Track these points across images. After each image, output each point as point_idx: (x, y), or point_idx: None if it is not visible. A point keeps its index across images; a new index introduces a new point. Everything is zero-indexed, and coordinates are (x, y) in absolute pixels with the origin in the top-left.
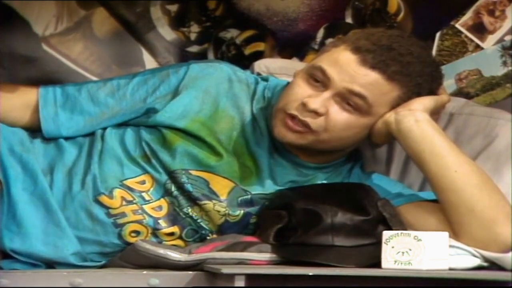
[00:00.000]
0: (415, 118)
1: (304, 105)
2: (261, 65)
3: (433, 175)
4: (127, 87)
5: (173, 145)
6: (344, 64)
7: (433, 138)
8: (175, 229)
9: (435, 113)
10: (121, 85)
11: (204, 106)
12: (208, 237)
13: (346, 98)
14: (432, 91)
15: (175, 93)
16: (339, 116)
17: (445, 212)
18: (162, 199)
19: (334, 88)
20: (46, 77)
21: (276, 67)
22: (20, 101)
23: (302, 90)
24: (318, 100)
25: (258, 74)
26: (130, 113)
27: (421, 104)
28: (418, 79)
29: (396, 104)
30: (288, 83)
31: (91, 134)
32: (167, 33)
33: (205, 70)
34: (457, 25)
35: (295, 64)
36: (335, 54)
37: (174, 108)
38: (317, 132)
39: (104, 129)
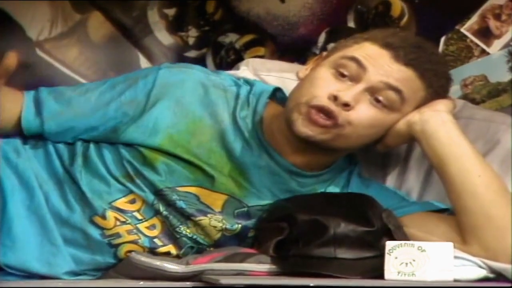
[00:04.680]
0: (442, 119)
1: (334, 98)
2: (249, 65)
3: (454, 179)
4: (95, 90)
5: (154, 163)
6: (377, 58)
7: (458, 140)
8: (170, 248)
9: None
10: (90, 88)
11: (176, 120)
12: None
13: (378, 93)
14: (447, 94)
15: (146, 103)
16: (368, 111)
17: (459, 218)
18: (154, 218)
19: (368, 81)
20: (40, 82)
21: (264, 69)
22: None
23: (330, 83)
24: (351, 92)
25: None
26: (93, 118)
27: (445, 106)
28: (442, 80)
29: (420, 104)
30: (276, 88)
31: (75, 147)
32: (164, 37)
33: (176, 76)
34: (462, 30)
35: (283, 66)
36: (363, 48)
37: (145, 123)
38: (342, 126)
39: (87, 145)
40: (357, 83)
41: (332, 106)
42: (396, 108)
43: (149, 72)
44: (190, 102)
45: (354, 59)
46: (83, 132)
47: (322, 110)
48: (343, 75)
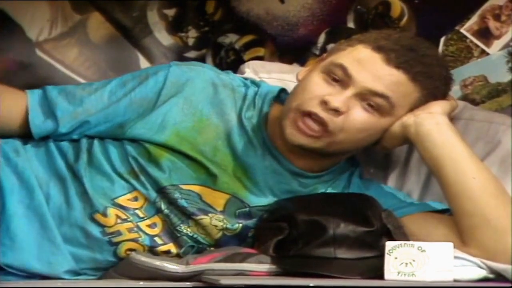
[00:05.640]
0: (436, 121)
1: (325, 103)
2: (250, 67)
3: (449, 181)
4: (105, 89)
5: (159, 160)
6: (367, 63)
7: (453, 142)
8: (171, 246)
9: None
10: (99, 87)
11: (184, 117)
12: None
13: (367, 98)
14: (446, 95)
15: (156, 101)
16: (360, 116)
17: (457, 220)
18: (156, 216)
19: (356, 87)
20: (40, 83)
21: (264, 71)
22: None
23: (321, 88)
24: (340, 98)
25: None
26: (103, 115)
27: (441, 108)
28: (437, 82)
29: (414, 107)
30: (282, 89)
31: (80, 144)
32: (164, 38)
33: (187, 74)
34: (462, 30)
35: (283, 68)
36: (355, 52)
37: (153, 119)
38: (333, 133)
39: (91, 141)
40: (346, 88)
41: (322, 113)
42: (386, 113)
43: (159, 70)
44: (199, 100)
45: (340, 66)
46: (92, 128)
47: (311, 116)
48: (334, 80)
